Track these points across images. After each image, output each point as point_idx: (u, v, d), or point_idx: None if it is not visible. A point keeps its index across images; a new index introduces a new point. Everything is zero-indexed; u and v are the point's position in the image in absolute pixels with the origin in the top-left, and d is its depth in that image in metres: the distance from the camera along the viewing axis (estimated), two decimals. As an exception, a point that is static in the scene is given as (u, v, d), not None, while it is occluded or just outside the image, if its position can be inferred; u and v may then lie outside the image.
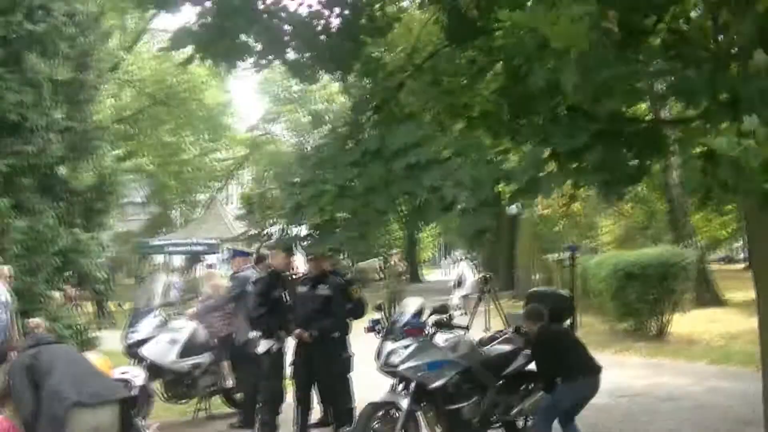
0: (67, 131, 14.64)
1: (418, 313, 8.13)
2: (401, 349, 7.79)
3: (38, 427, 5.36)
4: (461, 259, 30.85)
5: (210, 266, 23.76)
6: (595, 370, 7.84)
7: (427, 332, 8.00)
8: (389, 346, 7.89)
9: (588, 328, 17.58)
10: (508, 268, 37.12)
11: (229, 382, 10.45)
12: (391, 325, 8.13)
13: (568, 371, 7.68)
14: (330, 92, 51.17)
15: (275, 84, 53.39)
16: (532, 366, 8.72)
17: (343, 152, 6.84)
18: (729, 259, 54.63)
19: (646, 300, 17.07)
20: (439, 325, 8.16)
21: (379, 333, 8.26)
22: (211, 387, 10.45)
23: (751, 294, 23.39)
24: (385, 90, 7.51)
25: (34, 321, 10.19)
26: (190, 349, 10.17)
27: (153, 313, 10.10)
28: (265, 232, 27.44)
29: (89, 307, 20.59)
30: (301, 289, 9.25)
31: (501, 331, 9.40)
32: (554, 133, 6.11)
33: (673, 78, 5.96)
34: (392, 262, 26.44)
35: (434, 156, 6.24)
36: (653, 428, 9.65)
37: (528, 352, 8.70)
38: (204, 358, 10.29)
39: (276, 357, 8.76)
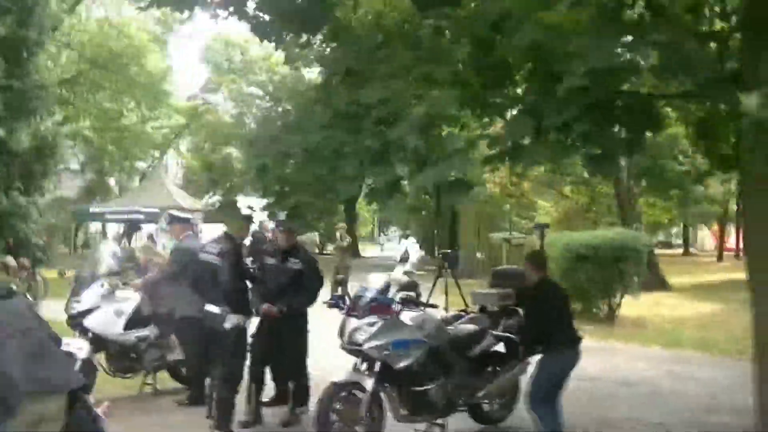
0: (6, 90, 13.86)
1: (385, 289, 7.74)
2: (366, 327, 7.41)
3: None
4: (406, 236, 30.64)
5: (150, 236, 23.11)
6: (577, 340, 7.56)
7: (394, 309, 7.60)
8: (353, 323, 7.51)
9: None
10: (449, 246, 37.07)
11: (176, 356, 9.98)
12: (354, 301, 7.74)
13: (556, 336, 7.38)
14: (273, 62, 50.50)
15: (217, 53, 52.51)
16: (499, 347, 8.47)
17: (312, 115, 6.46)
18: (667, 245, 55.63)
19: (596, 282, 17.01)
20: (407, 302, 7.78)
21: (341, 309, 7.88)
22: (158, 361, 9.94)
23: (693, 279, 23.65)
24: (357, 54, 7.08)
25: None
26: (136, 321, 9.65)
27: (98, 282, 9.51)
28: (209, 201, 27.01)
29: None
30: (270, 261, 8.82)
31: (464, 309, 9.08)
32: (542, 105, 5.84)
33: (666, 52, 5.67)
34: (337, 236, 26.09)
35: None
36: (617, 413, 9.44)
37: (495, 332, 8.44)
38: (150, 331, 9.78)
39: (242, 333, 8.28)
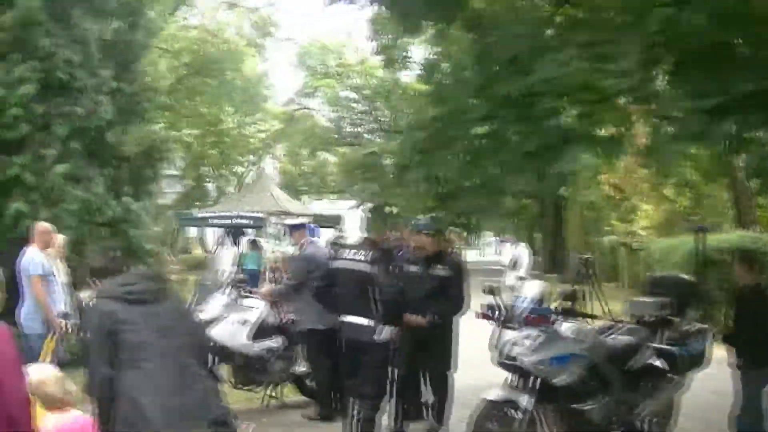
0: (117, 93, 13.56)
1: (541, 299, 7.03)
2: (524, 340, 6.71)
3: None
4: (516, 241, 29.71)
5: (254, 241, 22.85)
6: None
7: (552, 321, 6.88)
8: (509, 335, 6.81)
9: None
10: (554, 250, 36.16)
11: (302, 368, 9.45)
12: (509, 311, 7.03)
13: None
14: (368, 66, 50.14)
15: (312, 57, 52.34)
16: (657, 361, 7.70)
17: (471, 106, 5.80)
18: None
19: (724, 288, 16.01)
20: (567, 313, 7.05)
21: (495, 320, 7.19)
22: (284, 373, 9.41)
23: None
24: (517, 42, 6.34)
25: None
26: (262, 331, 9.15)
27: (222, 290, 9.04)
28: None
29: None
30: (412, 268, 8.20)
31: (617, 320, 8.28)
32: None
33: None
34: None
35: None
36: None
37: (655, 345, 7.67)
38: (277, 342, 9.27)
39: (391, 347, 7.65)
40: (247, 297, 9.25)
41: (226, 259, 9.61)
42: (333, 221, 24.57)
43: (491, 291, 7.43)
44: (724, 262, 16.03)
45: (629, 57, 5.23)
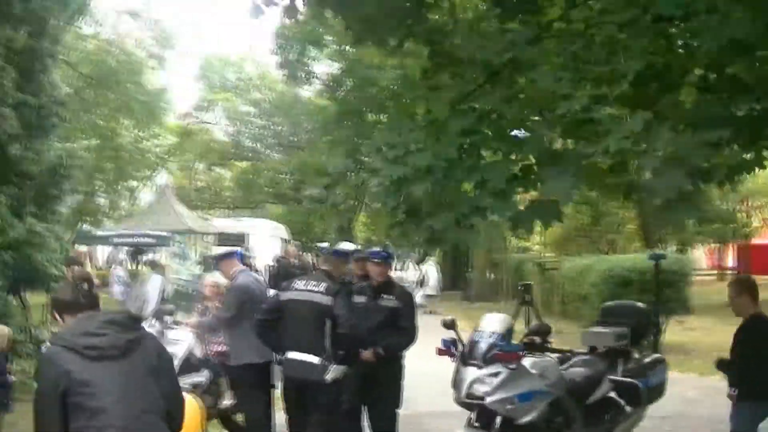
0: (20, 106, 12.64)
1: (508, 333, 6.63)
2: (488, 377, 6.30)
3: None
4: (422, 258, 29.56)
5: (152, 262, 21.94)
6: None
7: (521, 357, 6.48)
8: (472, 373, 6.38)
9: (570, 335, 16.51)
10: (457, 268, 36.11)
11: (227, 402, 8.82)
12: (470, 346, 6.61)
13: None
14: (269, 80, 49.52)
15: (212, 71, 51.32)
16: (615, 395, 7.41)
17: (453, 117, 5.34)
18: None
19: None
20: (534, 348, 6.67)
21: (453, 356, 6.77)
22: (211, 409, 8.74)
23: (707, 300, 21.67)
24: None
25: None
26: (188, 365, 8.50)
27: (147, 322, 8.35)
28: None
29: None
30: (358, 299, 7.68)
31: (571, 350, 7.94)
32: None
33: None
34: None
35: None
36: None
37: (614, 377, 7.37)
38: (203, 377, 8.62)
39: (342, 386, 7.10)
40: (172, 329, 8.57)
41: (151, 287, 8.79)
42: (237, 240, 23.82)
43: (451, 325, 7.02)
44: (638, 281, 16.11)
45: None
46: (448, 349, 6.80)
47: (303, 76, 44.95)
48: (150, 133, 43.66)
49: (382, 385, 7.53)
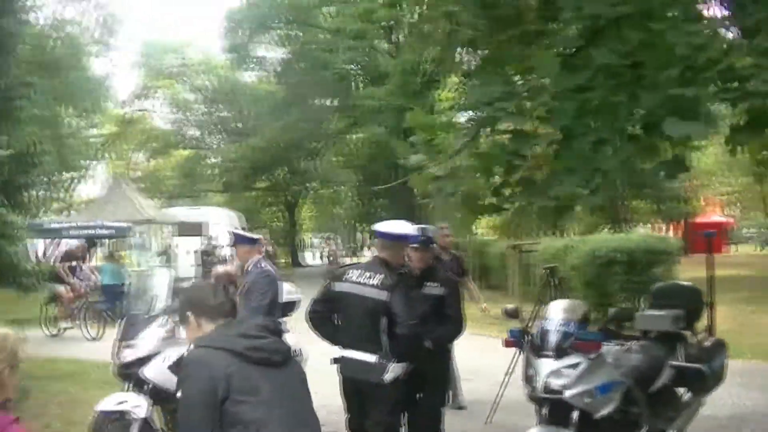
0: (-17, 88, 11.69)
1: (584, 321, 6.02)
2: (566, 369, 5.68)
3: None
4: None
5: (111, 254, 20.97)
6: None
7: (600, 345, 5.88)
8: (547, 365, 5.75)
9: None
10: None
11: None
12: (540, 336, 5.98)
13: None
14: (213, 65, 48.43)
15: (153, 57, 49.82)
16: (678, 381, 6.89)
17: (566, 74, 4.72)
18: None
19: (628, 289, 15.61)
20: (613, 336, 6.09)
21: (521, 348, 6.17)
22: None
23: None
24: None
25: None
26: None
27: (158, 321, 7.56)
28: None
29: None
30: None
31: (628, 336, 7.32)
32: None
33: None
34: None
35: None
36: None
37: (676, 363, 6.83)
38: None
39: (401, 385, 6.40)
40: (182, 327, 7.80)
41: (159, 282, 7.95)
42: (196, 229, 22.93)
43: (514, 314, 6.41)
44: (625, 262, 15.72)
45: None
46: (516, 340, 6.17)
47: (253, 59, 44.17)
48: (90, 121, 42.38)
49: (428, 382, 6.87)
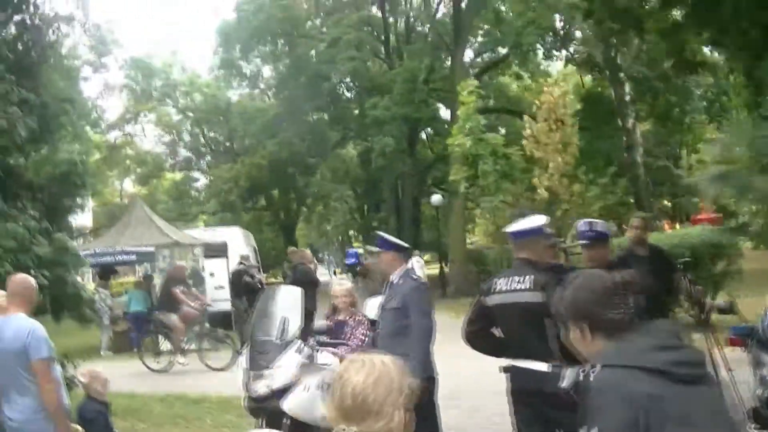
0: (22, 104, 10.59)
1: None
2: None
3: None
4: (413, 254, 28.09)
5: (146, 278, 19.99)
6: None
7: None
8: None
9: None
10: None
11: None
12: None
13: None
14: (201, 84, 47.49)
15: (134, 81, 48.63)
16: None
17: None
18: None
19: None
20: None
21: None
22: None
23: None
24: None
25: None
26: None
27: (294, 346, 6.57)
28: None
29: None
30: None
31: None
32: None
33: None
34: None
35: None
36: None
37: None
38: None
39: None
40: (318, 350, 6.80)
41: (288, 302, 6.93)
42: (221, 250, 21.90)
43: (728, 309, 5.54)
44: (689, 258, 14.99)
45: None
46: (741, 337, 5.32)
47: (245, 75, 43.23)
48: (80, 148, 41.20)
49: None
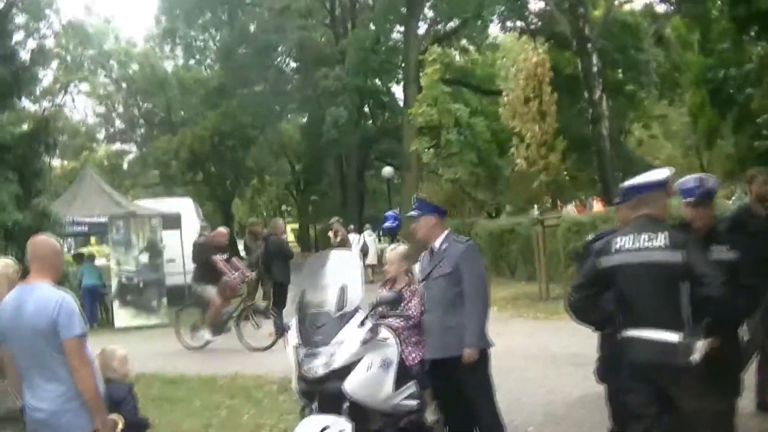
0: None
1: None
2: None
3: None
4: (365, 228, 27.47)
5: (86, 254, 18.80)
6: None
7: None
8: None
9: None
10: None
11: (433, 417, 6.38)
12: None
13: None
14: (135, 54, 45.74)
15: (65, 50, 46.61)
16: None
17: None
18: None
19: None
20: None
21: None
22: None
23: None
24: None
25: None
26: (399, 375, 5.95)
27: (355, 318, 5.69)
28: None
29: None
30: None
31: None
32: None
33: None
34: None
35: None
36: None
37: None
38: (411, 389, 6.10)
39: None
40: (379, 324, 5.94)
41: (346, 269, 5.99)
42: (174, 222, 20.74)
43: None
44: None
45: None
46: None
47: (192, 44, 41.82)
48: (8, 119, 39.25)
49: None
